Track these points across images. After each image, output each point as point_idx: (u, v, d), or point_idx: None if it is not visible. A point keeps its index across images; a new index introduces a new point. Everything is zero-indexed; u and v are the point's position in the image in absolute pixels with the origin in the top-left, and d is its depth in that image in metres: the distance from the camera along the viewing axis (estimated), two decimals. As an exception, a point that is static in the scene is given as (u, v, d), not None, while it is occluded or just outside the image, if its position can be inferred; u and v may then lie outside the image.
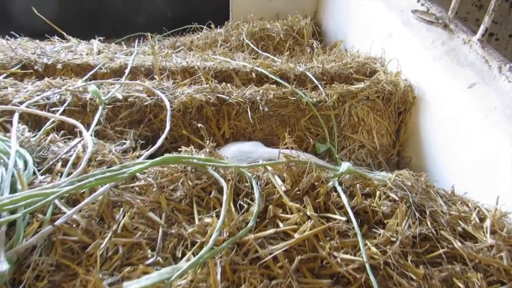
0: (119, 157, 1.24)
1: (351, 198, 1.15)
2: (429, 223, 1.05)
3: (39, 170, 1.17)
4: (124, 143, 1.49)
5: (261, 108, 1.80)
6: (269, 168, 1.16)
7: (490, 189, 1.30)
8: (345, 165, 1.24)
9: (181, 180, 1.13)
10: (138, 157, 1.33)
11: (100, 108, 1.56)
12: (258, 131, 1.84)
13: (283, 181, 1.12)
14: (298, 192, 1.10)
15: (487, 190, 1.29)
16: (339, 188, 1.12)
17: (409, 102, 1.88)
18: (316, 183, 1.12)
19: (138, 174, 1.15)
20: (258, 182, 1.14)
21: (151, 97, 1.74)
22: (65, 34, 2.59)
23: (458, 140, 1.50)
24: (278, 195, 1.08)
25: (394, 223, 1.05)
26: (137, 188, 1.11)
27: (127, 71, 1.96)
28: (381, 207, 1.09)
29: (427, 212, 1.08)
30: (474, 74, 1.41)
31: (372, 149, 1.93)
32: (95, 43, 2.38)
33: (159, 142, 1.42)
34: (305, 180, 1.12)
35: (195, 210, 1.05)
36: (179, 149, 1.29)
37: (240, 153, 1.51)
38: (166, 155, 1.12)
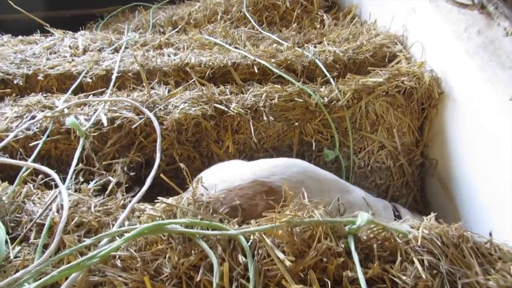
0: (98, 216, 1.09)
1: (368, 262, 0.98)
2: (462, 299, 0.89)
3: (13, 239, 1.05)
4: (110, 181, 1.34)
5: (265, 117, 1.59)
6: (266, 239, 0.99)
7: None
8: (363, 217, 1.05)
9: (167, 256, 0.98)
10: (124, 206, 1.18)
11: (81, 140, 1.39)
12: (265, 141, 1.65)
13: (284, 252, 0.95)
14: (303, 268, 0.93)
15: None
16: (355, 256, 0.95)
17: (434, 98, 1.62)
18: (326, 255, 0.95)
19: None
20: (255, 254, 0.98)
21: (140, 116, 1.55)
22: (48, 26, 2.37)
23: (491, 156, 1.28)
24: (279, 272, 0.92)
25: (419, 300, 0.89)
26: (119, 262, 0.98)
27: (112, 80, 1.75)
28: (403, 278, 0.92)
29: (459, 286, 0.91)
30: (519, 82, 1.14)
31: (393, 150, 1.71)
32: (80, 39, 2.15)
33: (147, 183, 1.26)
34: (312, 255, 0.95)
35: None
36: (156, 200, 1.14)
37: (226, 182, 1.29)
38: (145, 225, 0.96)
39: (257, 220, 1.08)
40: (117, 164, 1.41)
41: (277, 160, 1.31)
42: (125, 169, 1.42)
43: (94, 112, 1.55)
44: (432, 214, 1.09)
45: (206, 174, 1.32)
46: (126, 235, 0.95)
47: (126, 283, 0.94)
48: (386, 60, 1.88)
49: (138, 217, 1.16)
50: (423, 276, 0.92)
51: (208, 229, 1.01)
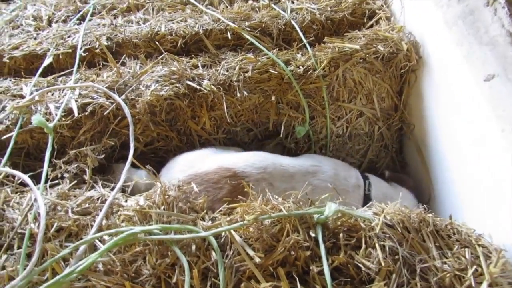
0: (77, 219, 1.13)
1: (336, 249, 1.04)
2: (418, 285, 0.96)
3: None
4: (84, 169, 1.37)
5: (238, 93, 1.56)
6: (236, 235, 1.03)
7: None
8: (331, 208, 1.09)
9: (146, 258, 1.03)
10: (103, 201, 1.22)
11: (50, 139, 1.37)
12: (242, 113, 1.63)
13: (254, 248, 1.01)
14: (273, 263, 0.99)
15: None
16: (322, 248, 1.00)
17: (412, 63, 1.57)
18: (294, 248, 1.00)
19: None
20: (228, 250, 1.03)
21: (112, 101, 1.52)
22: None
23: (462, 131, 1.28)
24: (250, 268, 0.99)
25: (379, 286, 0.96)
26: (101, 266, 1.04)
27: (76, 61, 1.68)
28: (367, 263, 0.99)
29: (417, 270, 0.98)
30: (494, 60, 1.10)
31: (372, 116, 1.71)
32: (43, 9, 2.01)
33: (123, 175, 1.27)
34: (280, 251, 1.00)
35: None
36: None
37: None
38: (119, 237, 1.00)
39: (227, 212, 1.13)
40: (89, 150, 1.41)
41: (242, 153, 1.43)
42: (98, 154, 1.43)
43: (65, 96, 1.52)
44: (398, 202, 1.13)
45: (174, 164, 1.39)
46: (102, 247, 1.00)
47: (108, 287, 1.00)
48: (365, 19, 1.79)
49: (117, 211, 1.20)
50: (382, 263, 0.98)
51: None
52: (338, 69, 1.61)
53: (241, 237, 1.06)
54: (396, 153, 1.82)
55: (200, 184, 1.27)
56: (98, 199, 1.24)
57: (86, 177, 1.37)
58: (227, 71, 1.61)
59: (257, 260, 0.99)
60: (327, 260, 1.00)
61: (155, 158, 1.65)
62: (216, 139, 1.63)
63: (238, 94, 1.54)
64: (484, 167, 1.18)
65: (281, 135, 1.64)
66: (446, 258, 1.01)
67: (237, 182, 1.27)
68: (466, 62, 1.18)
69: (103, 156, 1.46)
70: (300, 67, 1.61)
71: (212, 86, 1.54)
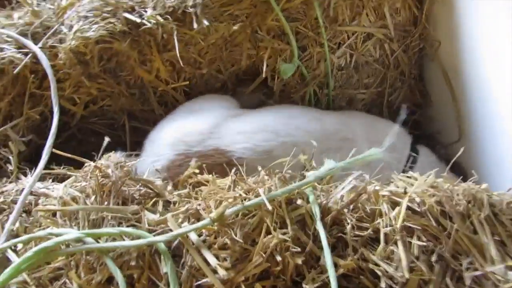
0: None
1: (341, 244, 0.71)
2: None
3: None
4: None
5: (195, 24, 1.12)
6: (192, 236, 0.69)
7: None
8: (329, 164, 0.75)
9: (69, 274, 0.72)
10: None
11: None
12: (206, 51, 1.21)
13: (218, 258, 0.67)
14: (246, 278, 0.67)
15: None
16: (325, 248, 0.66)
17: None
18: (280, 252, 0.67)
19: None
20: (183, 256, 0.70)
21: (26, 50, 1.11)
22: None
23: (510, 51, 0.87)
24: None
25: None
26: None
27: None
28: (389, 270, 0.66)
29: (466, 280, 0.64)
30: None
31: (383, 37, 1.27)
32: None
33: (43, 158, 0.91)
34: (256, 261, 0.66)
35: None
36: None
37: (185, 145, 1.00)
38: (24, 257, 0.67)
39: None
40: (8, 129, 1.04)
41: (246, 121, 1.07)
42: (22, 133, 1.07)
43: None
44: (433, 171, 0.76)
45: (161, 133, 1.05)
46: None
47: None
48: None
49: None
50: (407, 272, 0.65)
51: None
52: (334, -26, 1.15)
53: (199, 235, 0.72)
54: (416, 80, 1.41)
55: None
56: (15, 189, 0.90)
57: (11, 167, 1.01)
58: (180, -7, 1.15)
59: (223, 274, 0.66)
60: (334, 267, 0.67)
61: (105, 121, 1.28)
62: (176, 90, 1.23)
63: (196, 25, 1.11)
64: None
65: (263, 75, 1.23)
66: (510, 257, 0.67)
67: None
68: None
69: (30, 137, 1.09)
70: (280, -23, 1.14)
71: (159, 18, 1.10)
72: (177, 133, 1.02)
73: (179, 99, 1.23)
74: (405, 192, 0.73)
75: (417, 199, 0.72)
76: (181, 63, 1.14)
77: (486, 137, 1.07)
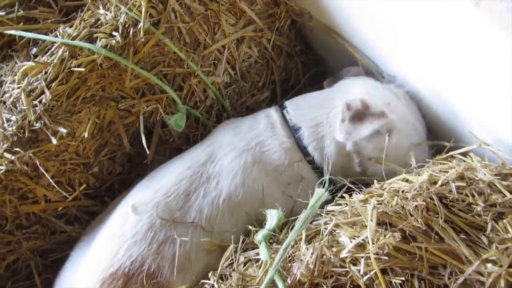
0: None
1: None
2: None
3: None
4: None
5: (53, 140, 0.92)
6: None
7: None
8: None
9: None
10: None
11: None
12: (89, 149, 1.02)
13: None
14: None
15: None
16: None
17: None
18: None
19: None
20: None
21: None
22: None
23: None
24: None
25: None
26: None
27: None
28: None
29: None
30: None
31: (253, 33, 1.15)
32: None
33: None
34: None
35: None
36: None
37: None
38: None
39: None
40: None
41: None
42: None
43: None
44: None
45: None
46: None
47: None
48: None
49: None
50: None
51: None
52: (169, 0, 0.99)
53: None
54: (304, 53, 1.33)
55: None
56: None
57: None
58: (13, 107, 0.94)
59: None
60: None
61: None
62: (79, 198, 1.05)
63: (54, 141, 0.91)
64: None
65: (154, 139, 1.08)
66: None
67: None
68: None
69: None
70: (114, 32, 0.96)
71: (10, 156, 0.89)
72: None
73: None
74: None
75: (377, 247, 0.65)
76: (64, 179, 0.96)
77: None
